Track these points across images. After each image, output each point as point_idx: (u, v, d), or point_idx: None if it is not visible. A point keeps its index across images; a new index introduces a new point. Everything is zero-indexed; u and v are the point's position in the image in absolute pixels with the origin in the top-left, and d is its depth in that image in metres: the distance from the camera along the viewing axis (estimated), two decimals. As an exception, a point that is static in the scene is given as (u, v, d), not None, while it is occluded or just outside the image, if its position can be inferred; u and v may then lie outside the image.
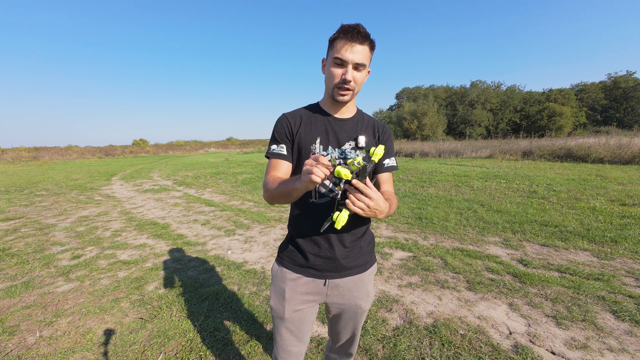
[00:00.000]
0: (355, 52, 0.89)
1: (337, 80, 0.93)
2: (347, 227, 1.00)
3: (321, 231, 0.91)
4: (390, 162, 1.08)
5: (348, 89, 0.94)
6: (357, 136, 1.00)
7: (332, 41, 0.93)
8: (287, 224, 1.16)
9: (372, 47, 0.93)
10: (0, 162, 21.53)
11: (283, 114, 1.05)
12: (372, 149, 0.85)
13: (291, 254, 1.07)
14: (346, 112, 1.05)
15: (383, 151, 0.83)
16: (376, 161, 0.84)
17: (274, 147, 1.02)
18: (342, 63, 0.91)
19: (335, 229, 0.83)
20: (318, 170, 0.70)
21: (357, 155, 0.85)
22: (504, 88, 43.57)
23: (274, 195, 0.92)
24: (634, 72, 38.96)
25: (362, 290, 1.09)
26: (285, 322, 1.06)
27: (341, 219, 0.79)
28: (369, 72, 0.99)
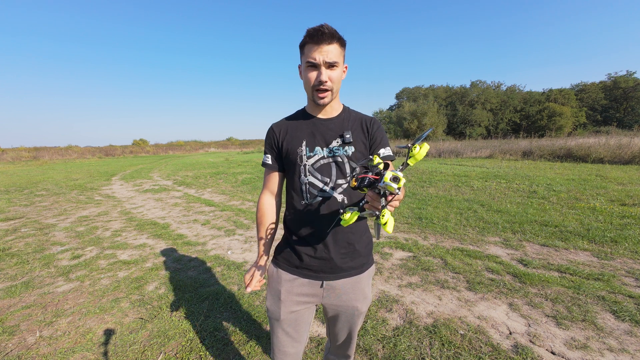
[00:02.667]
0: (325, 52, 0.90)
1: (313, 82, 0.95)
2: (344, 228, 1.02)
3: (327, 231, 0.99)
4: (385, 152, 1.04)
5: (326, 89, 0.95)
6: (343, 132, 1.01)
7: (302, 47, 0.96)
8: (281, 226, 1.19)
9: (341, 44, 0.95)
10: (0, 162, 21.53)
11: (271, 125, 1.11)
12: (415, 151, 0.67)
13: (287, 255, 1.09)
14: (331, 112, 1.06)
15: (426, 148, 0.68)
16: (413, 164, 0.69)
17: (264, 157, 1.12)
18: (314, 65, 0.93)
19: (337, 225, 0.95)
20: (252, 289, 1.06)
21: (396, 177, 0.65)
22: (504, 88, 43.58)
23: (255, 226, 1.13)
24: (634, 72, 38.97)
25: (359, 292, 1.08)
26: (281, 324, 1.06)
27: (351, 220, 0.79)
28: (345, 68, 1.01)
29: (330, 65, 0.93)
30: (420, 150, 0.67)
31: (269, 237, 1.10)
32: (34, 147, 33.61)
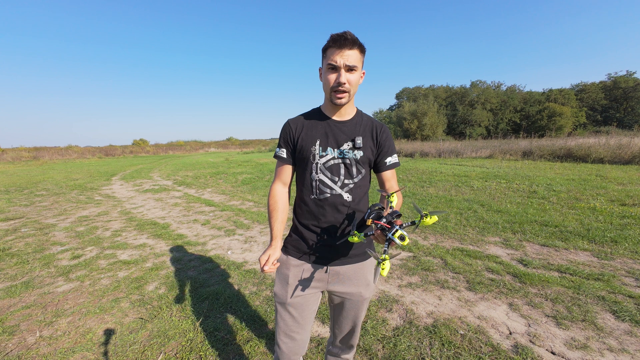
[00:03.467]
0: (346, 56, 0.98)
1: (332, 84, 1.02)
2: (349, 220, 1.14)
3: (337, 243, 1.10)
4: (392, 159, 1.16)
5: (344, 91, 1.02)
6: (354, 137, 1.09)
7: (324, 50, 1.03)
8: (287, 223, 1.21)
9: (361, 50, 1.01)
10: (0, 162, 21.53)
11: (287, 121, 1.17)
12: (426, 220, 0.83)
13: (295, 243, 1.17)
14: (345, 114, 1.13)
15: (435, 218, 0.83)
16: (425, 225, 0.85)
17: (277, 149, 1.18)
18: (335, 67, 1.00)
19: (345, 241, 1.08)
20: (268, 270, 1.03)
21: (402, 237, 0.81)
22: (504, 88, 43.53)
23: (267, 212, 1.16)
24: (634, 72, 38.93)
25: (362, 278, 1.16)
26: (287, 307, 1.13)
27: (357, 241, 0.92)
28: (363, 73, 1.08)
29: (350, 69, 1.00)
30: (431, 219, 0.82)
31: (282, 222, 1.15)
32: (34, 147, 33.61)
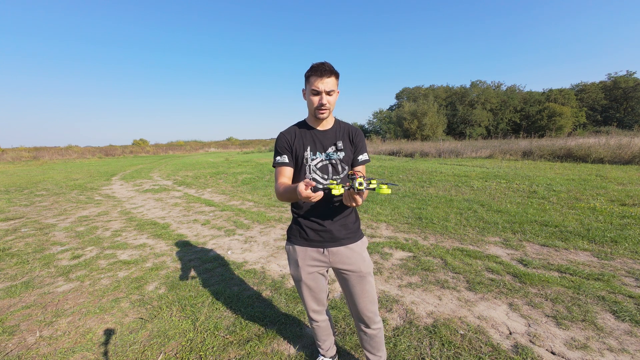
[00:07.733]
0: (325, 83, 1.22)
1: (316, 104, 1.26)
2: (337, 210, 1.34)
3: (326, 187, 1.22)
4: (363, 157, 1.40)
5: (325, 109, 1.27)
6: (336, 142, 1.34)
7: (307, 77, 1.25)
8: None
9: (337, 76, 1.26)
10: (0, 162, 21.53)
11: (281, 133, 1.39)
12: (382, 187, 1.02)
13: (297, 234, 1.40)
14: (326, 125, 1.37)
15: (389, 190, 1.02)
16: (380, 193, 1.03)
17: (278, 158, 1.36)
18: (317, 92, 1.24)
19: (332, 198, 1.28)
20: (314, 199, 1.02)
21: (361, 183, 1.04)
22: (504, 88, 43.51)
23: (283, 199, 1.26)
24: (634, 72, 38.91)
25: (357, 255, 1.38)
26: (302, 283, 1.40)
27: (338, 191, 1.04)
28: (338, 92, 1.31)
29: (328, 93, 1.24)
30: (382, 190, 1.00)
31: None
32: (34, 147, 33.64)
